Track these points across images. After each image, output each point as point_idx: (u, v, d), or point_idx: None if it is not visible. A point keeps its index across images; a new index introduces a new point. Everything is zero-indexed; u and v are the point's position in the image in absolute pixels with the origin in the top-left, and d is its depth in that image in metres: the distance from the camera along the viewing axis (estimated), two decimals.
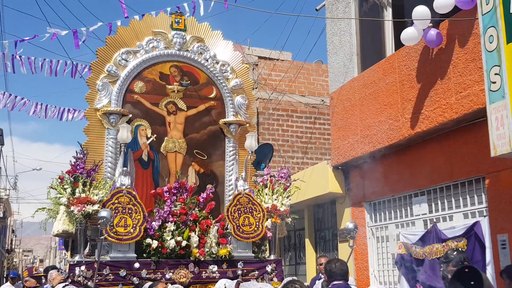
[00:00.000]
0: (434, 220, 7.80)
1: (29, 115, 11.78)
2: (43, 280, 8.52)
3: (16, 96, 11.47)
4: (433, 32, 7.45)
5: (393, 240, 8.79)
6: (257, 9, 7.85)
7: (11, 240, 51.91)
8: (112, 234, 6.26)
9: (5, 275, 33.85)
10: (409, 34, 7.66)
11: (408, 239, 8.08)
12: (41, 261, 78.36)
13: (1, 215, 36.15)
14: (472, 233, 6.96)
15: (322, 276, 8.54)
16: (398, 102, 8.33)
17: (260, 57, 14.44)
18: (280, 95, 13.97)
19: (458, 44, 7.19)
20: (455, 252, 5.52)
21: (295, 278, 5.22)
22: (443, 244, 7.26)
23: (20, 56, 10.40)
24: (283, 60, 14.67)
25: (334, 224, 10.95)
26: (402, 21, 8.65)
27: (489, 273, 6.59)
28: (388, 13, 9.34)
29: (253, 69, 13.81)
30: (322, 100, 14.36)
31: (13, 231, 53.59)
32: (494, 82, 5.67)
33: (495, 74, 5.66)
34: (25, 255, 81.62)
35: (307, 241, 12.02)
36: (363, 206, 9.63)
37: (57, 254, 64.28)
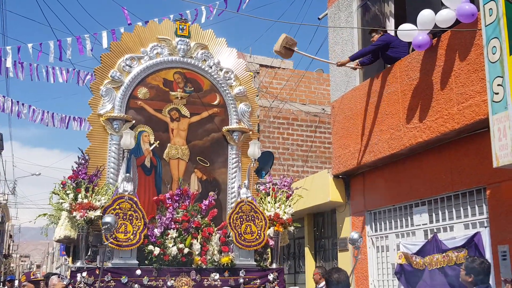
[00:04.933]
0: (435, 231, 7.79)
1: (35, 123, 11.87)
2: (41, 285, 8.48)
3: (23, 104, 11.51)
4: (421, 37, 7.52)
5: (393, 250, 8.77)
6: (259, 17, 7.89)
7: (9, 245, 51.73)
8: (112, 240, 6.25)
9: (1, 280, 33.73)
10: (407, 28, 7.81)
11: (408, 249, 8.06)
12: (38, 266, 78.09)
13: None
14: (472, 243, 6.94)
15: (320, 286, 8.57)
16: (399, 112, 8.34)
17: (261, 65, 14.48)
18: (281, 103, 14.00)
19: (460, 55, 7.21)
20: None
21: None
22: (444, 254, 7.24)
23: (21, 63, 10.45)
24: (284, 69, 14.70)
25: (334, 233, 10.93)
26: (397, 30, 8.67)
27: (491, 284, 6.57)
28: (390, 23, 9.37)
29: (254, 77, 13.83)
30: (323, 109, 14.38)
31: (10, 236, 53.42)
32: (497, 93, 5.68)
33: (498, 85, 5.68)
34: (22, 261, 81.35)
35: (306, 250, 11.99)
36: (363, 215, 9.61)
37: (55, 260, 64.05)
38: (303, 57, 9.48)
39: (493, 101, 5.76)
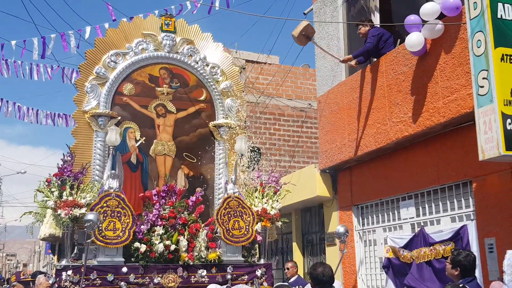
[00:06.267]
0: (422, 224, 7.82)
1: (21, 121, 11.77)
2: (31, 285, 8.38)
3: (7, 101, 11.39)
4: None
5: (381, 244, 8.80)
6: (245, 12, 7.88)
7: None
8: (100, 238, 6.20)
9: None
10: (413, 40, 7.42)
11: (395, 242, 8.09)
12: (25, 265, 77.40)
13: None
14: (459, 237, 6.98)
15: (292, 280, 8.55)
16: (385, 106, 8.35)
17: (247, 61, 14.43)
18: (267, 98, 13.97)
19: (445, 49, 7.23)
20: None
21: (285, 284, 5.22)
22: (431, 248, 7.27)
23: (6, 60, 10.34)
24: (270, 64, 14.67)
25: (321, 228, 10.94)
26: (389, 25, 8.69)
27: (477, 277, 6.60)
28: (376, 18, 9.37)
29: (240, 72, 13.78)
30: (309, 104, 14.37)
31: None
32: (482, 86, 5.70)
33: (483, 78, 5.69)
34: (8, 259, 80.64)
35: (294, 245, 12.00)
36: (350, 209, 9.62)
37: (41, 258, 63.58)
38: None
39: (478, 94, 5.78)
